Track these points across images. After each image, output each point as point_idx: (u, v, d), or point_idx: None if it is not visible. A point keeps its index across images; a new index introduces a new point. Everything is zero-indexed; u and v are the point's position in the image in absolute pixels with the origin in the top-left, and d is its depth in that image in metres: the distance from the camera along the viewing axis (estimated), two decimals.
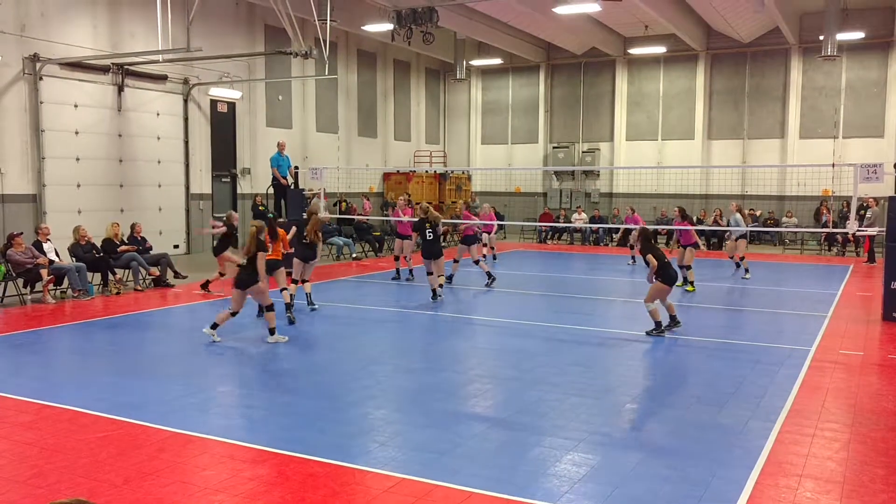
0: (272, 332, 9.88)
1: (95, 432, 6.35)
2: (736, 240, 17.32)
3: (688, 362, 9.30)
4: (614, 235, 25.45)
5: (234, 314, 9.91)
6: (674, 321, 10.63)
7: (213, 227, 15.02)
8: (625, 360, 9.29)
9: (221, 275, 13.69)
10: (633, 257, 19.22)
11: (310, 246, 12.06)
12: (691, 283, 14.92)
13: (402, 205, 17.34)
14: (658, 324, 10.39)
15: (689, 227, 15.32)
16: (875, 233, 16.05)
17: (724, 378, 8.27)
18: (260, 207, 19.76)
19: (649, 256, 10.40)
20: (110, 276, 14.05)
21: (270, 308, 9.94)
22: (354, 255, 20.34)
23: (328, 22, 17.05)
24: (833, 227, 20.16)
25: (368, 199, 24.67)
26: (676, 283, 14.66)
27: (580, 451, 6.00)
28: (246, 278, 9.78)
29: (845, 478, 5.54)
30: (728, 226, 17.40)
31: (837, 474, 5.60)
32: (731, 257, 17.71)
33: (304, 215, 13.35)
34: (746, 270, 16.84)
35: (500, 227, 27.75)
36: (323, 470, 5.56)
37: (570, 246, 26.08)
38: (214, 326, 9.88)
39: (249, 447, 6.03)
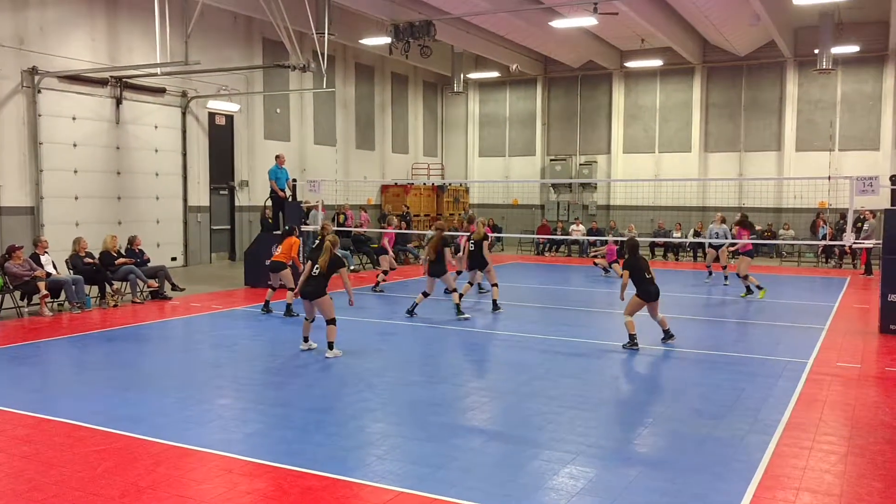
0: (330, 346, 9.81)
1: (92, 445, 6.34)
2: (717, 249, 17.63)
3: (685, 375, 9.30)
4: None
5: (310, 321, 10.05)
6: (667, 335, 10.59)
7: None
8: (622, 372, 9.29)
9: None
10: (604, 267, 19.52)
11: (435, 262, 13.01)
12: (759, 287, 15.33)
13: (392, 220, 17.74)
14: (631, 337, 10.27)
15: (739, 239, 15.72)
16: (872, 245, 16.11)
17: (722, 391, 8.28)
18: (269, 220, 19.75)
19: (625, 272, 10.33)
20: (107, 289, 14.04)
21: (332, 322, 9.84)
22: (352, 268, 20.35)
23: (326, 35, 17.14)
24: (830, 240, 20.22)
25: (366, 211, 24.69)
26: (740, 294, 15.23)
27: (577, 465, 5.99)
28: (313, 290, 9.77)
29: (843, 491, 5.54)
30: (717, 237, 17.49)
31: (835, 487, 5.60)
32: (709, 267, 18.19)
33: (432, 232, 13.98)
34: (726, 278, 17.55)
35: (498, 239, 27.75)
36: (320, 483, 5.55)
37: (568, 258, 26.10)
38: (306, 339, 10.08)
39: (247, 460, 6.02)
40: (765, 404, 7.74)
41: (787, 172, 25.91)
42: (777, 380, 8.78)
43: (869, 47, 24.28)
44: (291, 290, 12.70)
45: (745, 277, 15.43)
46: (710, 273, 18.20)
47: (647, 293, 10.19)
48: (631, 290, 10.41)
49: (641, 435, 6.81)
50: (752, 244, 15.86)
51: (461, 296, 13.19)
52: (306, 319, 10.09)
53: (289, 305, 12.86)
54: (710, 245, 17.92)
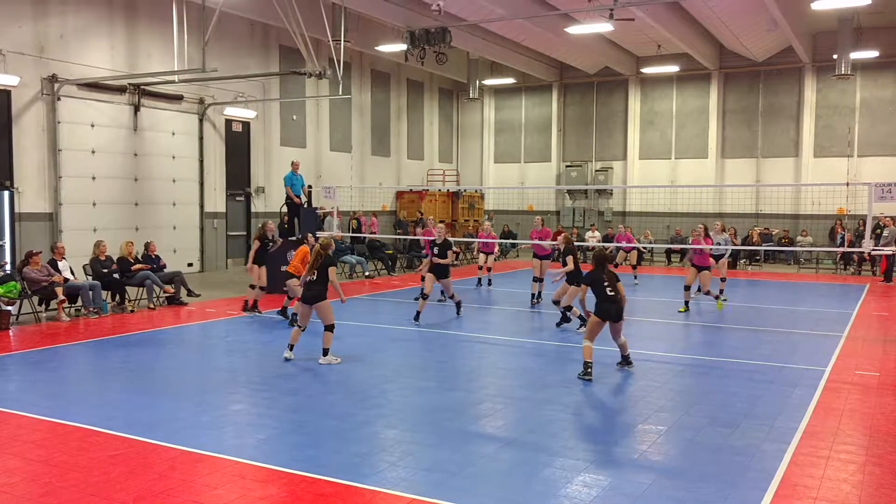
0: (325, 352, 9.79)
1: (107, 450, 6.37)
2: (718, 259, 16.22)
3: (701, 382, 9.22)
4: (627, 255, 25.37)
5: (301, 329, 9.96)
6: (625, 360, 9.54)
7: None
8: (636, 379, 9.22)
9: (254, 287, 13.67)
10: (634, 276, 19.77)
11: (580, 272, 12.09)
12: (717, 297, 14.79)
13: (431, 225, 17.43)
14: (586, 365, 9.00)
15: (701, 247, 14.54)
16: (891, 252, 15.93)
17: (738, 399, 8.20)
18: (286, 226, 19.83)
19: (584, 286, 9.58)
20: (122, 294, 14.17)
21: (331, 328, 9.85)
22: (367, 274, 20.37)
23: (342, 42, 17.21)
24: (848, 246, 20.00)
25: (376, 216, 24.73)
26: (680, 310, 14.26)
27: (591, 472, 5.96)
28: (313, 294, 9.78)
29: (861, 501, 5.47)
30: (718, 246, 16.52)
31: (853, 497, 5.53)
32: (723, 279, 16.41)
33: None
34: (721, 292, 15.84)
35: (513, 245, 27.73)
36: (333, 490, 5.55)
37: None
38: (291, 347, 9.95)
39: (260, 466, 6.03)
40: (781, 413, 7.66)
41: (804, 178, 25.71)
42: (794, 388, 8.69)
43: (888, 52, 24.06)
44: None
45: (708, 292, 14.58)
46: (699, 289, 15.84)
47: (605, 311, 9.04)
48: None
49: (656, 443, 6.76)
50: (711, 256, 14.79)
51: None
52: (299, 327, 10.03)
53: (294, 314, 12.07)
54: (711, 254, 16.60)
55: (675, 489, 5.64)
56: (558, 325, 12.65)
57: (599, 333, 9.19)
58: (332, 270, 9.92)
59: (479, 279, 18.94)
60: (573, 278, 12.27)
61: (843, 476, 5.93)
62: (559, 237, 13.29)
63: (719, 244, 16.25)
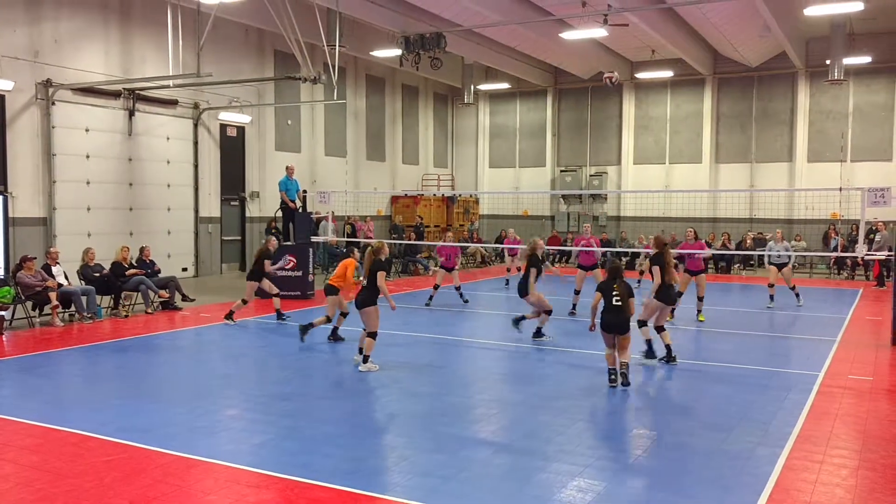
0: (366, 359, 9.64)
1: (101, 456, 6.36)
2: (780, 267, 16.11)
3: (695, 387, 9.24)
4: (623, 259, 25.45)
5: (372, 334, 9.72)
6: (623, 378, 8.80)
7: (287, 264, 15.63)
8: (631, 384, 9.23)
9: (244, 302, 13.25)
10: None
11: (671, 287, 10.30)
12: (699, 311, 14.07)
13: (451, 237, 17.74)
14: (610, 371, 8.91)
15: (698, 252, 14.13)
16: (884, 257, 15.96)
17: (732, 403, 8.22)
18: (273, 231, 19.87)
19: (596, 293, 9.03)
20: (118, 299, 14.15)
21: (373, 335, 9.70)
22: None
23: (337, 47, 17.24)
24: (842, 251, 20.06)
25: (369, 220, 24.68)
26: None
27: (586, 477, 5.96)
28: (361, 298, 9.73)
29: None
30: (779, 257, 16.15)
31: (846, 501, 5.55)
32: (793, 288, 16.29)
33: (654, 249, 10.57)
34: (798, 296, 16.22)
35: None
36: (327, 495, 5.54)
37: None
38: (364, 355, 9.73)
39: (254, 472, 6.01)
40: (775, 417, 7.68)
41: (798, 183, 25.80)
42: (788, 392, 8.71)
43: (881, 58, 24.18)
44: (328, 318, 11.44)
45: (699, 299, 14.04)
46: (772, 297, 16.15)
47: (607, 323, 8.81)
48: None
49: (650, 448, 6.77)
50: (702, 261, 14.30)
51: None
52: (364, 330, 9.96)
53: (335, 328, 11.61)
54: (771, 262, 16.17)
55: (669, 493, 5.65)
56: (647, 356, 10.27)
57: (613, 341, 8.88)
58: (380, 275, 9.69)
59: (507, 280, 19.91)
60: (662, 294, 10.12)
61: (837, 480, 5.96)
62: (652, 239, 10.92)
63: (779, 253, 15.92)
